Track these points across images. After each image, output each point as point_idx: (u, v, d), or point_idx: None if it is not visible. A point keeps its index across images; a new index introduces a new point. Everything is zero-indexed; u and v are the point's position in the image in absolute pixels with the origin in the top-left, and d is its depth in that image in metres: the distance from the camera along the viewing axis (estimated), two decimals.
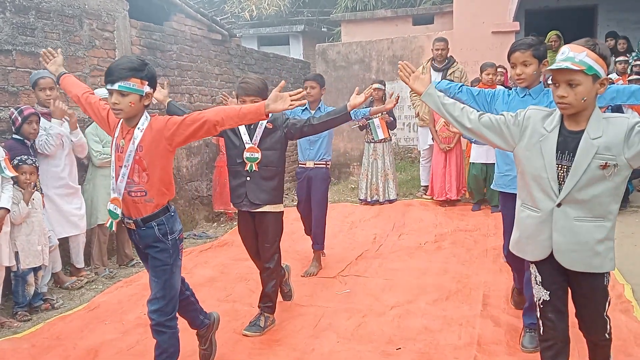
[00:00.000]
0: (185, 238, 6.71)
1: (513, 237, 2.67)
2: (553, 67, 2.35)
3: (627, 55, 9.20)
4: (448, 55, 8.04)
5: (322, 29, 16.90)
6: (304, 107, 5.05)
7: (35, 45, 5.44)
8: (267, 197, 3.82)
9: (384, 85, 7.78)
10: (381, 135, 7.68)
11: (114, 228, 2.98)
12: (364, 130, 7.85)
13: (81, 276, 5.21)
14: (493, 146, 2.73)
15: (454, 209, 7.51)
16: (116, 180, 2.83)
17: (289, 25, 16.49)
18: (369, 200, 8.03)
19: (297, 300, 4.45)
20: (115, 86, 2.68)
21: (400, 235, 6.42)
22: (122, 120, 2.84)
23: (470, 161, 7.30)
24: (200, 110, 2.99)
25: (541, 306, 2.55)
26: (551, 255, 2.47)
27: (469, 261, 5.35)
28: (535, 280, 2.58)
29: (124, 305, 4.49)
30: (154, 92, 2.84)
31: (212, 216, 7.63)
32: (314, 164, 5.19)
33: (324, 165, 5.24)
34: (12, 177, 4.28)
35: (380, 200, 7.99)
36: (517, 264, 3.67)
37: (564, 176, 2.40)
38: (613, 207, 2.43)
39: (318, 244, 5.27)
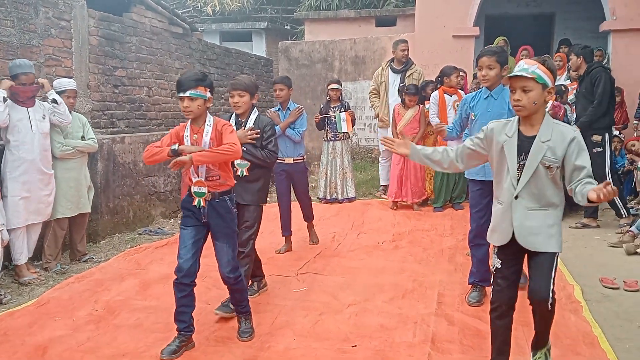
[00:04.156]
0: (141, 234, 6.60)
1: (490, 228, 3.07)
2: (511, 74, 2.78)
3: None
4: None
5: (286, 27, 16.87)
6: (277, 108, 5.73)
7: None
8: (252, 198, 4.16)
9: (341, 85, 7.78)
10: (345, 129, 7.54)
11: (202, 204, 3.49)
12: (324, 127, 7.75)
13: (36, 272, 5.06)
14: (483, 162, 3.16)
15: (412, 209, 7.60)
16: (196, 169, 3.47)
17: (252, 22, 16.39)
18: (328, 198, 8.05)
19: (254, 298, 4.42)
20: (187, 93, 3.36)
21: (358, 234, 6.46)
22: (189, 124, 3.51)
23: None
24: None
25: (494, 273, 2.99)
26: (512, 239, 2.88)
27: (425, 260, 5.42)
28: (494, 250, 3.03)
29: (75, 302, 4.38)
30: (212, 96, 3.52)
31: (169, 212, 7.51)
32: (293, 160, 5.72)
33: (302, 160, 5.82)
34: None
35: (340, 199, 8.02)
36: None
37: (520, 173, 2.83)
38: (556, 199, 2.87)
39: (309, 218, 6.07)
